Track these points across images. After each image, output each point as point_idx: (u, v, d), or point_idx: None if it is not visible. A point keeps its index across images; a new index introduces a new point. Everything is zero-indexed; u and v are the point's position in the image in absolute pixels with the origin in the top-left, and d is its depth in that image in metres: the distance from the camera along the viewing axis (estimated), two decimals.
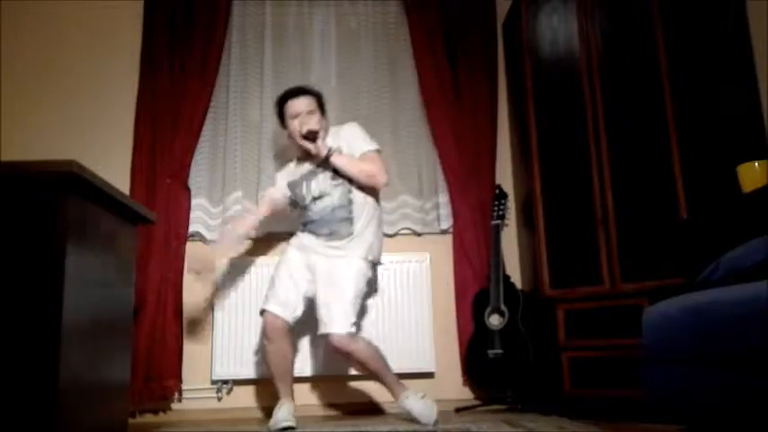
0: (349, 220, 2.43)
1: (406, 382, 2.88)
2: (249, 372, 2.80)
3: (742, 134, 2.37)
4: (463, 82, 3.10)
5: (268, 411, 2.41)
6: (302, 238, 2.51)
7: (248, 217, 2.62)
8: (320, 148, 2.43)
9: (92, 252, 1.74)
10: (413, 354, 2.84)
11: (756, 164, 2.06)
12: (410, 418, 2.33)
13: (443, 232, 3.05)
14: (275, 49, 3.14)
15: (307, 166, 2.54)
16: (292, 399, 2.42)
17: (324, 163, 2.46)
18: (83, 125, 3.07)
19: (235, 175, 2.99)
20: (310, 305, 2.43)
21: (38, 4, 3.20)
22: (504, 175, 3.13)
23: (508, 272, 2.88)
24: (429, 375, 2.86)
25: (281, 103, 2.54)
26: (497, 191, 2.94)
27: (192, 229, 2.94)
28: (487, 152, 3.07)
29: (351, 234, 2.42)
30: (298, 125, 2.47)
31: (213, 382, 2.83)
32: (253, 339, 2.81)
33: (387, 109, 3.10)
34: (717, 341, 1.43)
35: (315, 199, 2.48)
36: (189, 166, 2.96)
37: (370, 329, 2.85)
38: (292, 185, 2.57)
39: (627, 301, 2.34)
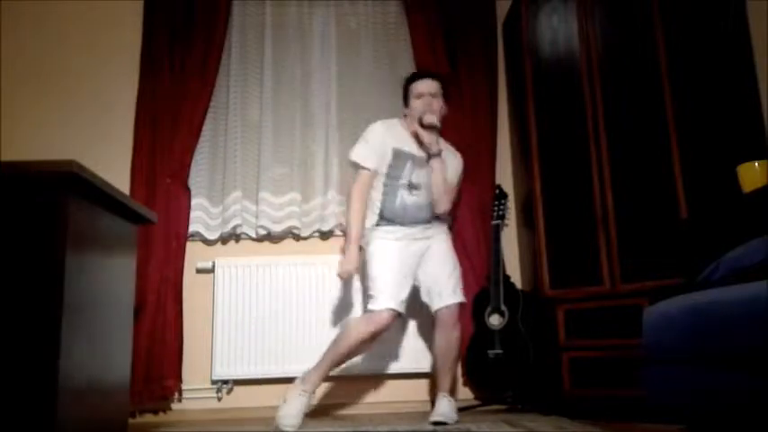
0: (437, 217, 2.57)
1: (406, 382, 2.90)
2: (249, 372, 2.80)
3: (742, 134, 2.37)
4: (463, 82, 3.10)
5: (268, 412, 2.41)
6: (395, 229, 2.47)
7: (352, 248, 2.47)
8: (435, 143, 2.51)
9: (92, 252, 1.74)
10: (413, 353, 2.85)
11: (756, 164, 2.05)
12: (436, 410, 2.35)
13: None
14: (275, 49, 3.14)
15: (415, 148, 2.54)
16: (315, 391, 2.39)
17: (428, 157, 2.52)
18: (83, 125, 3.07)
19: (235, 175, 2.99)
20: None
21: (38, 4, 3.20)
22: (504, 175, 3.14)
23: (508, 272, 2.88)
24: (429, 375, 2.86)
25: (409, 81, 2.62)
26: (497, 191, 2.94)
27: (191, 229, 2.94)
28: (487, 152, 3.07)
29: (436, 225, 2.56)
30: (421, 106, 2.53)
31: (213, 382, 2.83)
32: (253, 339, 2.82)
33: (387, 109, 3.09)
34: (717, 341, 1.43)
35: (411, 187, 2.49)
36: (189, 166, 2.96)
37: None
38: (398, 153, 2.52)
39: (627, 301, 2.34)
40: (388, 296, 2.36)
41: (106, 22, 3.19)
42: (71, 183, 1.59)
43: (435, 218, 2.56)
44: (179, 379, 2.78)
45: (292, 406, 2.26)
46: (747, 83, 2.44)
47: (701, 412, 1.55)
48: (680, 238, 2.22)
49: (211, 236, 2.99)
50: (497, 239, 2.82)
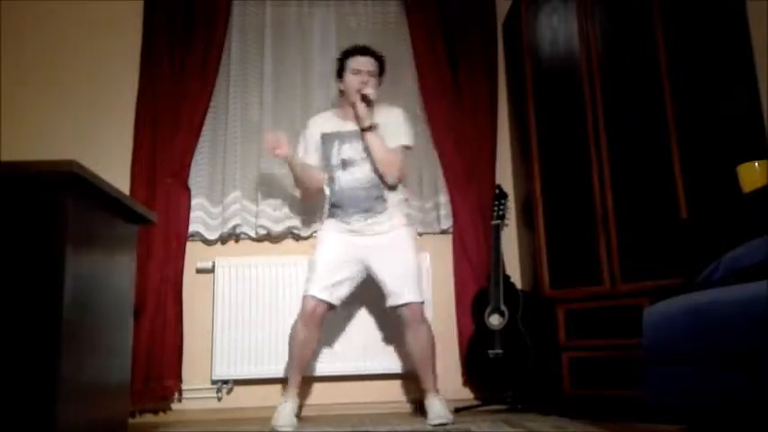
0: (381, 197, 2.49)
1: (406, 381, 2.89)
2: (249, 372, 2.80)
3: (742, 134, 2.37)
4: (463, 82, 3.10)
5: (268, 412, 2.41)
6: (337, 221, 2.50)
7: (301, 162, 2.59)
8: (367, 115, 2.46)
9: (92, 252, 1.74)
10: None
11: (756, 164, 2.05)
12: (431, 413, 2.35)
13: (443, 232, 3.05)
14: (275, 49, 3.14)
15: (343, 125, 2.55)
16: (298, 395, 2.42)
17: (361, 131, 2.49)
18: (83, 125, 3.07)
19: (235, 174, 2.99)
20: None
21: (38, 4, 3.19)
22: (504, 175, 3.13)
23: (508, 272, 2.88)
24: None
25: (347, 55, 2.59)
26: (497, 191, 2.94)
27: (191, 229, 2.94)
28: (487, 152, 3.07)
29: (386, 209, 2.48)
30: (356, 82, 2.50)
31: (213, 382, 2.83)
32: (253, 339, 2.81)
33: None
34: (717, 341, 1.43)
35: (343, 164, 2.50)
36: (189, 166, 2.96)
37: (371, 330, 2.85)
38: (325, 138, 2.56)
39: (627, 301, 2.34)
40: (314, 284, 2.40)
41: (106, 22, 3.19)
42: (71, 183, 1.59)
43: (382, 204, 2.47)
44: (179, 379, 2.78)
45: (282, 411, 2.32)
46: (747, 83, 2.44)
47: (701, 412, 1.55)
48: (680, 238, 2.22)
49: (211, 236, 2.99)
50: (497, 239, 2.82)
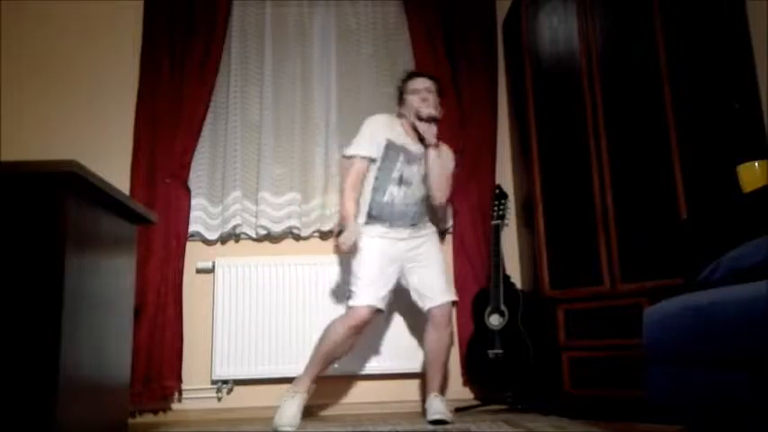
0: (425, 215, 2.59)
1: (406, 381, 2.89)
2: (249, 372, 2.80)
3: (742, 134, 2.37)
4: (463, 82, 3.10)
5: (268, 412, 2.41)
6: (381, 229, 2.48)
7: (351, 226, 2.44)
8: (432, 134, 2.49)
9: (92, 252, 1.74)
10: (413, 353, 2.84)
11: (756, 164, 2.05)
12: (431, 410, 2.36)
13: (443, 232, 3.05)
14: (275, 49, 3.14)
15: (411, 143, 2.55)
16: (308, 391, 2.41)
17: (424, 149, 2.51)
18: (83, 125, 3.07)
19: (235, 175, 2.99)
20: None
21: (38, 3, 3.19)
22: (504, 175, 3.13)
23: (508, 272, 2.88)
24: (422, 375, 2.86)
25: (405, 80, 2.63)
26: (497, 191, 2.94)
27: (191, 229, 2.94)
28: (487, 152, 3.07)
29: (426, 225, 2.60)
30: (417, 102, 2.53)
31: (213, 382, 2.83)
32: (253, 339, 2.82)
33: (387, 109, 3.08)
34: (717, 341, 1.43)
35: (401, 181, 2.50)
36: (189, 166, 2.96)
37: (371, 330, 2.85)
38: (391, 146, 2.53)
39: (627, 301, 2.34)
40: (367, 293, 2.39)
41: (106, 22, 3.19)
42: (71, 183, 1.59)
43: (423, 217, 2.58)
44: (179, 379, 2.78)
45: (287, 408, 2.30)
46: (747, 83, 2.44)
47: (701, 412, 1.55)
48: (680, 238, 2.22)
49: (211, 236, 2.99)
50: (497, 239, 2.82)
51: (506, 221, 2.94)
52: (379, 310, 2.42)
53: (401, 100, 2.63)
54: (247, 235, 2.99)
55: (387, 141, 2.52)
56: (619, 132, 2.49)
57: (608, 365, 2.35)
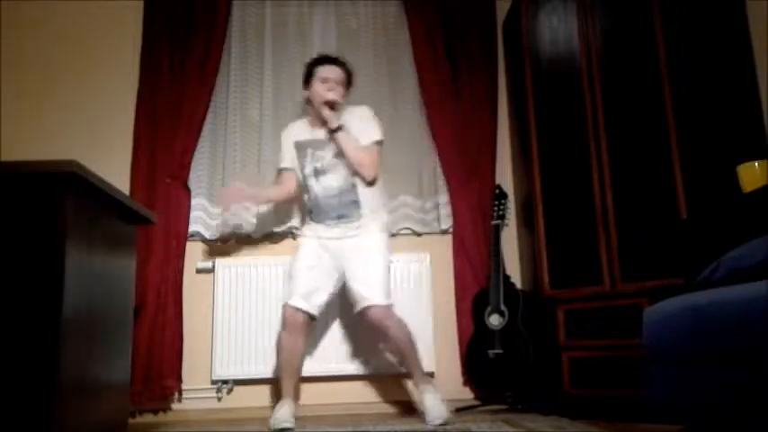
0: (356, 203, 2.49)
1: (406, 381, 2.89)
2: (249, 372, 2.80)
3: (742, 134, 2.37)
4: (463, 82, 3.10)
5: (268, 412, 2.41)
6: (314, 228, 2.53)
7: (262, 192, 2.69)
8: (334, 118, 2.47)
9: (92, 252, 1.74)
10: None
11: (756, 164, 2.05)
12: (420, 409, 2.38)
13: (443, 232, 3.05)
14: (275, 49, 3.14)
15: (314, 133, 2.56)
16: (294, 398, 2.42)
17: (330, 135, 2.50)
18: (83, 125, 3.07)
19: (235, 175, 2.99)
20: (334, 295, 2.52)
21: (38, 4, 3.20)
22: (504, 175, 3.13)
23: (508, 272, 2.88)
24: (429, 375, 2.85)
25: (314, 64, 2.59)
26: (497, 191, 2.94)
27: (191, 229, 2.94)
28: (487, 152, 3.07)
29: (360, 217, 2.48)
30: (323, 90, 2.50)
31: (213, 382, 2.83)
32: (253, 339, 2.82)
33: (386, 109, 3.09)
34: (717, 341, 1.43)
35: (316, 173, 2.51)
36: (189, 166, 2.96)
37: (370, 329, 2.85)
38: (298, 146, 2.58)
39: (627, 301, 2.34)
40: (293, 293, 2.41)
41: (106, 22, 3.19)
42: (71, 183, 1.59)
43: (355, 210, 2.47)
44: (179, 379, 2.78)
45: (281, 409, 2.32)
46: (747, 83, 2.44)
47: (701, 412, 1.55)
48: (680, 238, 2.22)
49: (211, 236, 2.99)
50: (497, 239, 2.82)
51: (506, 221, 2.94)
52: (307, 314, 2.39)
53: (307, 83, 2.59)
54: (247, 235, 2.99)
55: (294, 143, 2.59)
56: (619, 132, 2.49)
57: (608, 365, 2.35)
